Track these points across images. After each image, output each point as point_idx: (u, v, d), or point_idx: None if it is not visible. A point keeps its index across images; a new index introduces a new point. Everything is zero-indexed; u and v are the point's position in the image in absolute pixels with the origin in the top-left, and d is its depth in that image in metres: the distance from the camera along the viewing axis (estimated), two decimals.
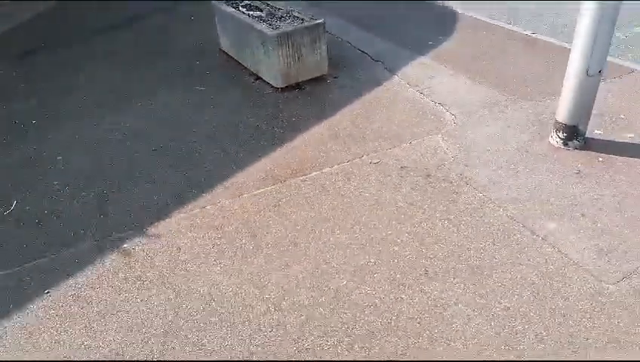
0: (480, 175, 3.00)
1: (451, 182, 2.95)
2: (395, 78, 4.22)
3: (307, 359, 2.04)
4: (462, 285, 2.32)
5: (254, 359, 2.03)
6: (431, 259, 2.46)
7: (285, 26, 3.98)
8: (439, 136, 3.40)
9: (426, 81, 4.12)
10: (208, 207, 2.89)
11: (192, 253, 2.58)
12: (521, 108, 3.66)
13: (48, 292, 2.37)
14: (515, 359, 1.98)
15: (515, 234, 2.57)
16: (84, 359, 2.06)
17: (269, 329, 2.16)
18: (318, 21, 4.07)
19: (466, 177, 2.99)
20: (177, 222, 2.80)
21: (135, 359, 2.06)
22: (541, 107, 3.65)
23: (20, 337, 2.17)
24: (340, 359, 2.03)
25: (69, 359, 2.05)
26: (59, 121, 3.81)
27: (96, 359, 2.05)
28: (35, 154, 3.41)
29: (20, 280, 2.45)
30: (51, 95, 4.22)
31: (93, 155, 3.38)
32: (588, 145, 3.18)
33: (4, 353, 2.11)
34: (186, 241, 2.66)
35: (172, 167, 3.25)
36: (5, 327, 2.22)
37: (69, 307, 2.29)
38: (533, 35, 4.85)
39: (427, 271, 2.41)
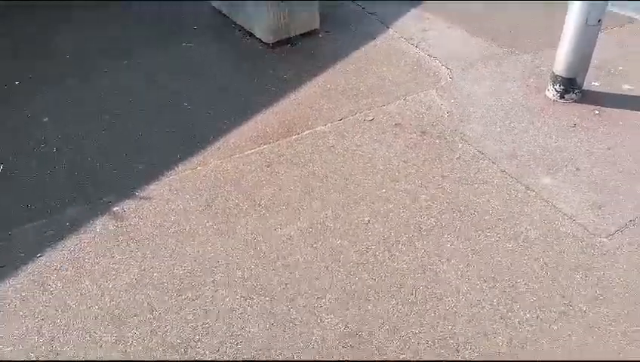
0: (475, 130, 2.96)
1: (446, 139, 2.91)
2: (390, 31, 4.08)
3: (299, 321, 2.06)
4: (456, 241, 2.32)
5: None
6: (425, 216, 2.46)
7: None
8: (434, 91, 3.33)
9: (421, 34, 3.99)
10: (200, 168, 2.85)
11: (185, 214, 2.56)
12: (518, 61, 3.57)
13: (40, 255, 2.36)
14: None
15: (509, 190, 2.56)
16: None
17: (264, 289, 2.17)
18: None
19: (461, 133, 2.94)
20: (168, 183, 2.75)
21: (132, 332, 2.08)
22: (538, 59, 3.56)
23: (15, 300, 2.17)
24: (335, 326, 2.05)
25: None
26: (43, 83, 3.67)
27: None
28: (20, 117, 3.31)
29: (11, 244, 2.42)
30: (34, 56, 4.05)
31: (80, 117, 3.29)
32: (585, 97, 3.13)
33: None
34: (178, 203, 2.63)
35: (161, 127, 3.17)
36: None
37: (63, 270, 2.28)
38: None
39: (421, 228, 2.40)
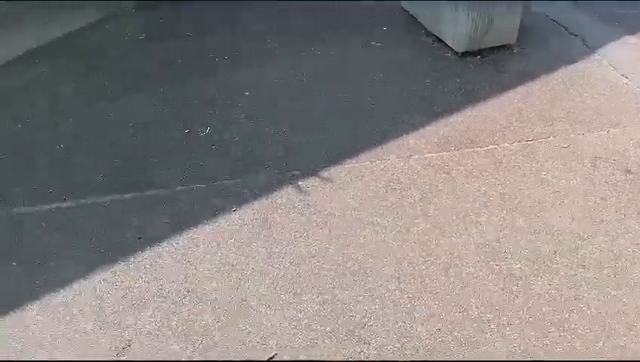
0: None
1: None
2: (595, 56, 3.73)
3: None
4: None
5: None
6: (624, 261, 2.21)
7: None
8: None
9: (634, 64, 3.58)
10: (378, 162, 2.93)
11: (361, 202, 2.65)
12: None
13: (235, 210, 2.65)
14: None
15: None
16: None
17: (433, 293, 2.16)
18: None
19: None
20: (348, 170, 2.88)
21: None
22: None
23: (211, 242, 2.47)
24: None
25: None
26: (247, 60, 4.08)
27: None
28: (226, 87, 3.72)
29: (213, 194, 2.76)
30: (242, 36, 4.50)
31: (276, 95, 3.59)
32: None
33: (197, 254, 2.42)
34: (355, 191, 2.74)
35: (345, 117, 3.32)
36: (197, 233, 2.53)
37: (253, 227, 2.53)
38: None
39: (617, 273, 2.16)
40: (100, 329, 2.11)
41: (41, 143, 3.19)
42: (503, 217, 2.49)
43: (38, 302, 2.23)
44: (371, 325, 2.06)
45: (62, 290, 2.27)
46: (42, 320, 2.16)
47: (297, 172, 2.89)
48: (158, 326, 2.11)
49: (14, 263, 2.41)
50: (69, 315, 2.17)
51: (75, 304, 2.22)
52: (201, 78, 3.86)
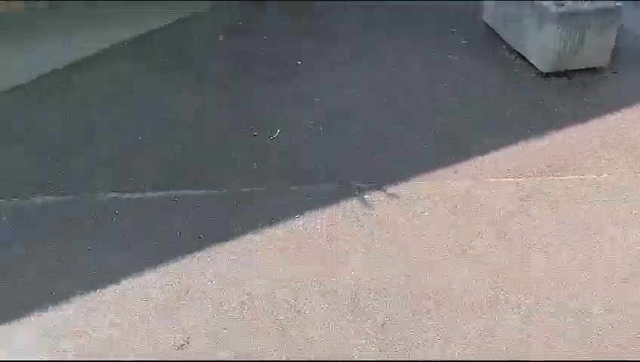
0: None
1: None
2: None
3: None
4: None
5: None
6: None
7: (573, 4, 3.49)
8: None
9: None
10: (449, 182, 2.81)
11: (428, 222, 2.55)
12: None
13: (298, 217, 2.62)
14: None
15: None
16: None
17: (502, 337, 2.02)
18: (613, 4, 3.47)
19: None
20: (417, 187, 2.78)
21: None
22: None
23: (271, 248, 2.46)
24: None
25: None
26: (321, 66, 4.04)
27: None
28: (298, 92, 3.70)
29: (276, 199, 2.74)
30: (314, 44, 4.48)
31: (348, 104, 3.52)
32: None
33: (255, 259, 2.41)
34: (422, 209, 2.64)
35: (417, 132, 3.22)
36: (258, 237, 2.52)
37: (316, 237, 2.50)
38: None
39: None
40: (162, 321, 2.15)
41: (110, 135, 3.27)
42: (585, 253, 2.30)
43: (109, 287, 2.30)
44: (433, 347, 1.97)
45: (126, 279, 2.34)
46: (110, 304, 2.24)
47: (363, 185, 2.82)
48: (216, 328, 2.13)
49: (89, 248, 2.52)
50: (135, 304, 2.23)
51: (141, 294, 2.27)
52: (275, 81, 3.87)
